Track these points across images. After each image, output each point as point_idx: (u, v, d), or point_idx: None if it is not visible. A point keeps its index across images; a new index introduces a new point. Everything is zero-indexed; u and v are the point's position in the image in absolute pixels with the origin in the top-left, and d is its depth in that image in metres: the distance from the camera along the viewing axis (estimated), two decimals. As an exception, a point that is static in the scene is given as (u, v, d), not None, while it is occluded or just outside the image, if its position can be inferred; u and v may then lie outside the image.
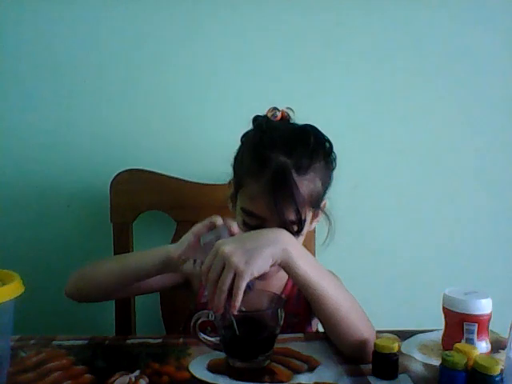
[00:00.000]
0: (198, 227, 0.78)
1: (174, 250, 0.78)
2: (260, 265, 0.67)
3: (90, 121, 1.16)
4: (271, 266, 0.69)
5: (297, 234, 0.81)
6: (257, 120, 0.86)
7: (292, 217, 0.77)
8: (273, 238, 0.70)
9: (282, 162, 0.76)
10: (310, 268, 0.71)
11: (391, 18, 1.20)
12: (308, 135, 0.79)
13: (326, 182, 0.84)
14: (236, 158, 0.87)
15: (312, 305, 0.74)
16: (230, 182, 0.90)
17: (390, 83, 1.21)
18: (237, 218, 0.85)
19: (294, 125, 0.84)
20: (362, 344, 0.71)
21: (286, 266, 0.70)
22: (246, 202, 0.80)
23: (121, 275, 0.84)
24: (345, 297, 0.74)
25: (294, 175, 0.76)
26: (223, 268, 0.66)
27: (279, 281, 0.91)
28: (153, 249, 0.82)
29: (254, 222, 0.80)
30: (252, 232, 0.74)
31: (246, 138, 0.87)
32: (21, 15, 1.13)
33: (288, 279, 0.93)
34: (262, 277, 0.83)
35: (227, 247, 0.67)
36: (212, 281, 0.66)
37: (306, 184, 0.78)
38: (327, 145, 0.82)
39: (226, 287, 0.65)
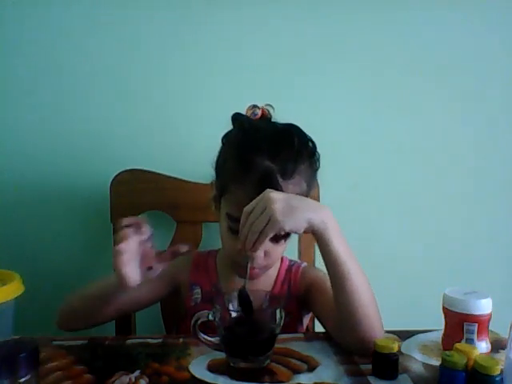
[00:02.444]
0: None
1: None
2: (295, 223, 0.68)
3: (89, 121, 1.16)
4: (305, 231, 0.70)
5: (284, 238, 0.81)
6: (237, 119, 0.85)
7: None
8: (316, 207, 0.73)
9: (268, 168, 0.76)
10: (342, 247, 0.72)
11: (390, 17, 1.20)
12: (292, 137, 0.79)
13: (311, 183, 0.84)
14: (218, 160, 0.86)
15: (334, 285, 0.74)
16: (212, 183, 0.89)
17: (389, 83, 1.20)
18: (221, 223, 0.85)
19: (276, 124, 0.83)
20: (369, 341, 0.70)
21: (319, 238, 0.71)
22: (232, 209, 0.80)
23: (92, 304, 0.83)
24: (367, 288, 0.74)
25: (280, 180, 0.76)
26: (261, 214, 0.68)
27: (268, 280, 0.91)
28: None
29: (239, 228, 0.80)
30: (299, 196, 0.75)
31: (227, 139, 0.86)
32: (20, 16, 1.13)
33: (277, 278, 0.93)
34: (250, 277, 0.83)
35: (274, 195, 0.69)
36: (250, 223, 0.69)
37: (291, 188, 0.77)
38: (310, 144, 0.82)
39: (258, 230, 0.68)
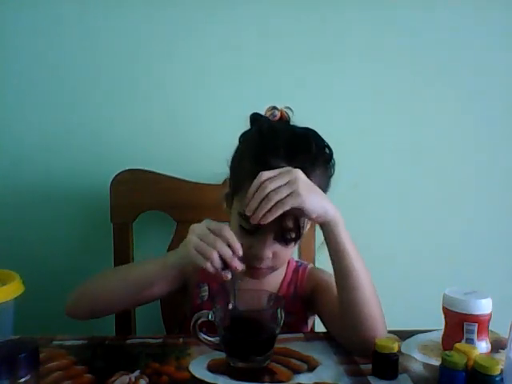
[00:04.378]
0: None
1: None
2: (314, 204, 0.69)
3: (89, 121, 1.16)
4: (316, 218, 0.71)
5: (294, 240, 0.81)
6: (256, 120, 0.85)
7: (290, 224, 0.77)
8: (330, 202, 0.73)
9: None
10: (349, 245, 0.73)
11: (392, 18, 1.20)
12: (310, 142, 0.79)
13: (324, 189, 0.83)
14: (234, 159, 0.86)
15: (339, 279, 0.75)
16: (225, 181, 0.89)
17: (390, 83, 1.21)
18: (232, 221, 0.84)
19: (295, 128, 0.83)
20: (372, 341, 0.70)
21: (330, 231, 0.73)
22: (245, 208, 0.80)
23: (130, 283, 0.81)
24: (371, 286, 0.75)
25: None
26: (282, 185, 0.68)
27: (275, 280, 0.91)
28: (160, 256, 0.81)
29: (251, 227, 0.79)
30: None
31: (245, 138, 0.86)
32: (20, 15, 1.13)
33: (284, 279, 0.93)
34: (257, 275, 0.83)
35: (300, 172, 0.70)
36: (268, 189, 0.67)
37: None
38: (327, 151, 0.82)
39: (276, 198, 0.67)
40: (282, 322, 0.71)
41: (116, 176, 1.08)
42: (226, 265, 0.69)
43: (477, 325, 0.69)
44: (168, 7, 1.15)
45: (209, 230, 0.71)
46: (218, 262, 0.68)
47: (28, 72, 1.15)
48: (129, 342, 0.80)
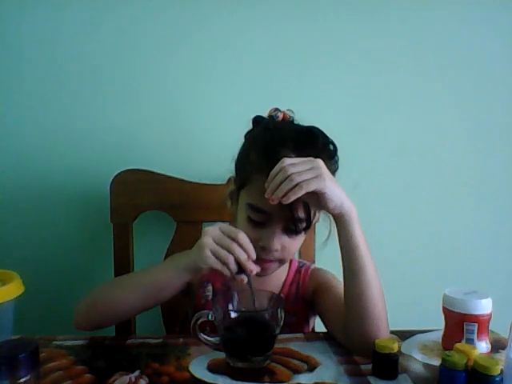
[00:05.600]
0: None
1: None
2: (334, 193, 0.71)
3: (90, 121, 1.16)
4: (332, 209, 0.72)
5: (304, 230, 0.81)
6: (259, 120, 0.86)
7: (301, 214, 0.77)
8: (349, 199, 0.75)
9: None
10: (362, 240, 0.75)
11: (392, 18, 1.20)
12: (316, 136, 0.80)
13: None
14: (240, 155, 0.86)
15: (349, 275, 0.75)
16: (229, 180, 0.89)
17: (391, 83, 1.20)
18: (239, 216, 0.84)
19: (300, 125, 0.85)
20: (374, 337, 0.70)
21: (344, 224, 0.74)
22: (254, 198, 0.79)
23: (142, 291, 0.78)
24: (379, 285, 0.75)
25: None
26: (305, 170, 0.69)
27: (277, 280, 0.92)
28: (169, 260, 0.81)
29: (259, 218, 0.80)
30: None
31: (251, 135, 0.87)
32: (21, 15, 1.13)
33: (286, 278, 0.93)
34: (265, 270, 0.83)
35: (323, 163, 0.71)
36: (291, 171, 0.68)
37: None
38: (331, 147, 0.83)
39: (299, 180, 0.68)
40: (282, 321, 0.71)
41: (116, 176, 1.07)
42: (240, 268, 0.70)
43: (477, 325, 0.69)
44: (169, 7, 1.14)
45: (223, 233, 0.70)
46: (234, 266, 0.69)
47: (28, 72, 1.14)
48: (129, 341, 0.80)
